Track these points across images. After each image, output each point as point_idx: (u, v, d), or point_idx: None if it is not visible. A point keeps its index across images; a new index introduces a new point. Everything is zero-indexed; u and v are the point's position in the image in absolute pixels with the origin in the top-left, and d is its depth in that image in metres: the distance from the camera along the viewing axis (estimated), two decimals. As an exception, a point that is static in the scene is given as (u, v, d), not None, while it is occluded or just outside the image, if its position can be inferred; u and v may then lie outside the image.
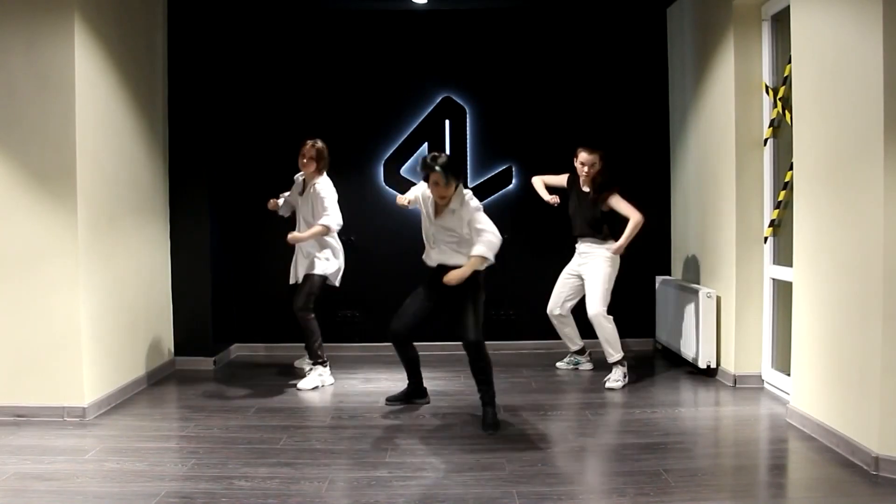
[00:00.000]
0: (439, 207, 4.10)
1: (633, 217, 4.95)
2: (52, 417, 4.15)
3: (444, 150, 6.04)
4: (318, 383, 4.96)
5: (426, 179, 4.04)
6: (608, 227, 5.04)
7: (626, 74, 6.11)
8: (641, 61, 6.10)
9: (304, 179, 5.07)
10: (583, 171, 5.06)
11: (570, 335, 5.34)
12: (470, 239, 4.01)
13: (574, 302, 5.23)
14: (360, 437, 3.88)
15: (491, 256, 3.95)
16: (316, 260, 4.97)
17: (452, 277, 3.89)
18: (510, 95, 6.12)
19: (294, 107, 6.09)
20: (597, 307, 4.94)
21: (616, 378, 4.92)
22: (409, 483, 3.21)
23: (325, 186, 4.94)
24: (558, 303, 5.23)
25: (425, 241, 4.23)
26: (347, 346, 6.05)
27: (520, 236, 6.02)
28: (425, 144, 6.08)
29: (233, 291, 6.02)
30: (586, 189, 5.11)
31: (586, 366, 5.41)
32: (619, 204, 4.98)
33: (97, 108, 4.40)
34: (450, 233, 4.09)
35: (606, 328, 4.96)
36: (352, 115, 6.08)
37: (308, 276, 4.97)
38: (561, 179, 5.28)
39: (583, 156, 5.06)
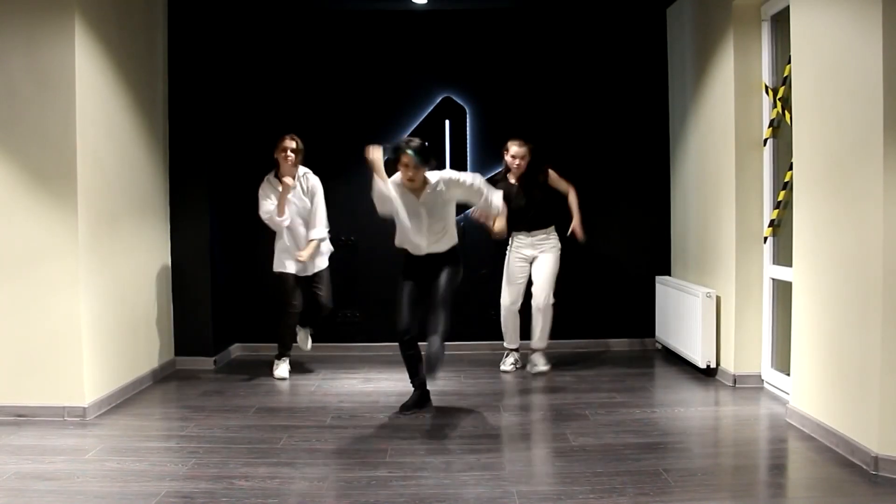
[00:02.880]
0: (415, 191, 4.21)
1: (571, 190, 5.29)
2: (52, 417, 4.15)
3: (444, 150, 6.06)
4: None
5: (396, 161, 4.16)
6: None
7: (626, 74, 6.11)
8: (641, 61, 6.10)
9: (288, 175, 5.12)
10: (514, 163, 5.16)
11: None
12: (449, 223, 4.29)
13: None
14: (360, 437, 3.89)
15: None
16: (325, 254, 5.27)
17: (502, 228, 4.46)
18: (510, 95, 6.12)
19: (294, 107, 6.09)
20: (546, 299, 5.20)
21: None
22: (409, 483, 3.21)
23: (318, 181, 5.21)
24: (521, 293, 5.34)
25: (410, 231, 4.24)
26: (348, 346, 6.05)
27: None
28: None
29: (233, 291, 6.02)
30: (513, 181, 5.22)
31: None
32: (557, 182, 5.25)
33: (97, 108, 4.40)
34: (438, 214, 4.22)
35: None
36: (352, 115, 6.08)
37: (327, 273, 5.24)
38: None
39: (515, 149, 5.15)
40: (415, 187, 4.18)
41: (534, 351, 5.32)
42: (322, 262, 5.24)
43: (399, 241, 4.34)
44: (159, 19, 5.34)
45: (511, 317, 5.33)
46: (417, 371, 4.34)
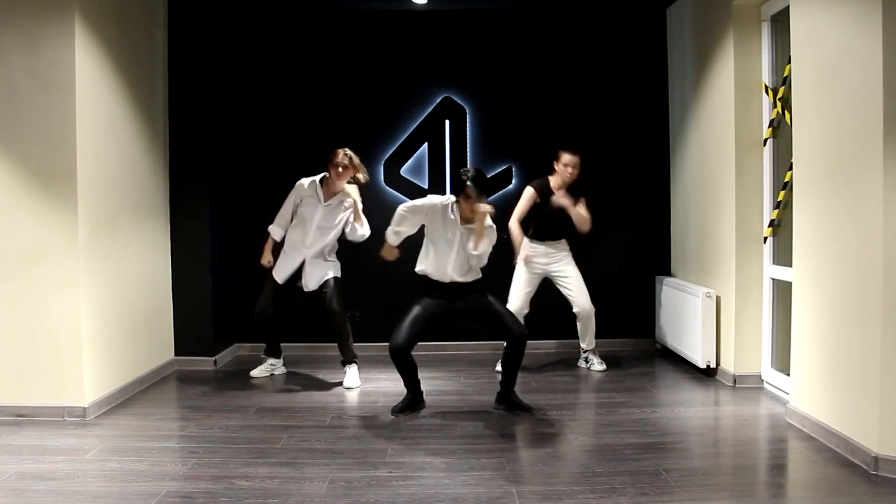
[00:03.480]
0: (465, 219, 4.25)
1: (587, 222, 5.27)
2: (52, 417, 4.15)
3: (444, 150, 6.08)
4: (358, 382, 5.01)
5: (458, 193, 4.20)
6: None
7: (626, 74, 6.11)
8: (641, 61, 6.10)
9: (321, 185, 5.01)
10: (567, 171, 5.19)
11: None
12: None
13: None
14: (360, 437, 3.89)
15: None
16: (335, 265, 5.09)
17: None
18: (510, 95, 6.12)
19: (294, 107, 6.10)
20: (590, 303, 5.30)
21: None
22: (409, 483, 3.22)
23: (358, 196, 5.05)
24: (527, 303, 5.32)
25: (439, 255, 4.25)
26: (347, 346, 6.05)
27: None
28: (425, 145, 6.09)
29: (233, 292, 6.02)
30: (554, 188, 5.23)
31: None
32: (583, 208, 5.24)
33: (97, 108, 4.40)
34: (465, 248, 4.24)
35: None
36: (352, 115, 6.08)
37: (333, 280, 5.02)
38: (530, 198, 5.24)
39: (568, 157, 5.19)
40: (472, 216, 4.21)
41: (586, 352, 5.45)
42: (327, 272, 5.05)
43: (422, 265, 4.33)
44: (159, 19, 5.34)
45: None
46: (412, 377, 4.33)
